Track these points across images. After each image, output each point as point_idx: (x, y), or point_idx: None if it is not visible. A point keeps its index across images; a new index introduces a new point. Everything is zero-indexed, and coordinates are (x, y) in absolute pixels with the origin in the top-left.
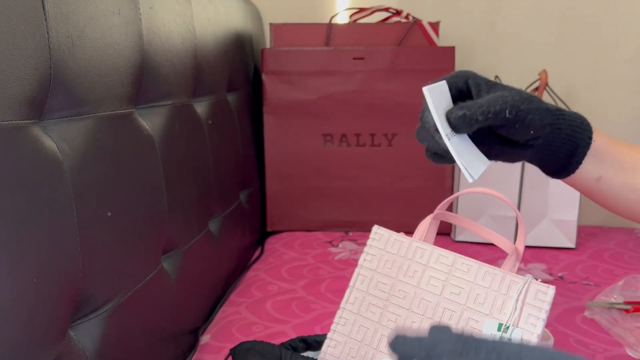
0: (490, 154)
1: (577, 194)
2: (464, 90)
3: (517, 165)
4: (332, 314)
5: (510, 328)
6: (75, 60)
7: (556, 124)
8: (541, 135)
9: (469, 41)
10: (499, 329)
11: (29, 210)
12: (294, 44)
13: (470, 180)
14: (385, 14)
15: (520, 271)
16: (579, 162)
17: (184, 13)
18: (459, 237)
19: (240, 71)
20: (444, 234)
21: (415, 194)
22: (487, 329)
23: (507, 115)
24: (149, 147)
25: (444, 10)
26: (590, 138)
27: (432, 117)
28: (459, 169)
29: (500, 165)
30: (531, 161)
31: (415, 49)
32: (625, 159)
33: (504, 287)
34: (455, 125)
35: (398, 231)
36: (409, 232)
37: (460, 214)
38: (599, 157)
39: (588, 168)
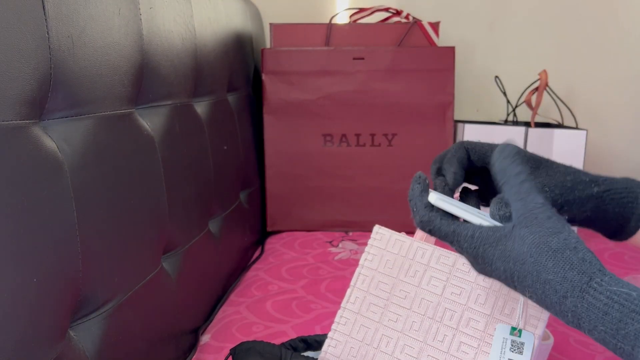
0: None
1: None
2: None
3: None
4: (332, 314)
5: (522, 331)
6: (75, 60)
7: (605, 199)
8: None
9: (469, 41)
10: (511, 332)
11: (29, 210)
12: (294, 44)
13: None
14: (385, 14)
15: None
16: (637, 221)
17: (184, 13)
18: None
19: (240, 71)
20: None
21: None
22: (500, 332)
23: (594, 191)
24: (149, 147)
25: (444, 10)
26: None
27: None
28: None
29: None
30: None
31: (415, 49)
32: None
33: (504, 287)
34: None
35: (399, 231)
36: (410, 232)
37: None
38: None
39: None
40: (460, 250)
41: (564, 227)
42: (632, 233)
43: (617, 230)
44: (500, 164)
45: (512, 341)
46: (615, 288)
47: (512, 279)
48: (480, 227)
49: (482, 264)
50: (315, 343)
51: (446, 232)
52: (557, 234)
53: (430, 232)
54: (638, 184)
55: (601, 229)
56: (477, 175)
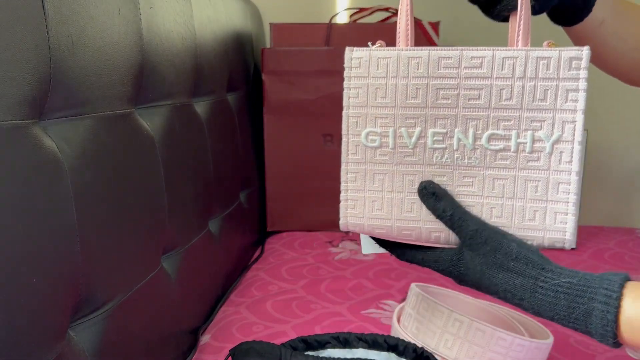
0: None
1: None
2: None
3: None
4: (332, 314)
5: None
6: (75, 60)
7: None
8: None
9: (469, 41)
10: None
11: (28, 210)
12: (294, 44)
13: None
14: (385, 14)
15: None
16: None
17: (184, 13)
18: None
19: (240, 71)
20: None
21: None
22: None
23: None
24: (149, 147)
25: (444, 10)
26: None
27: None
28: None
29: None
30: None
31: None
32: (620, 5)
33: (530, 69)
34: None
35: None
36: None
37: None
38: None
39: (596, 8)
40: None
41: (501, 243)
42: (594, 2)
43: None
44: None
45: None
46: (558, 280)
47: (481, 290)
48: (442, 251)
49: (456, 280)
50: (315, 343)
51: (417, 260)
52: (496, 251)
53: (408, 261)
54: None
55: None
56: None
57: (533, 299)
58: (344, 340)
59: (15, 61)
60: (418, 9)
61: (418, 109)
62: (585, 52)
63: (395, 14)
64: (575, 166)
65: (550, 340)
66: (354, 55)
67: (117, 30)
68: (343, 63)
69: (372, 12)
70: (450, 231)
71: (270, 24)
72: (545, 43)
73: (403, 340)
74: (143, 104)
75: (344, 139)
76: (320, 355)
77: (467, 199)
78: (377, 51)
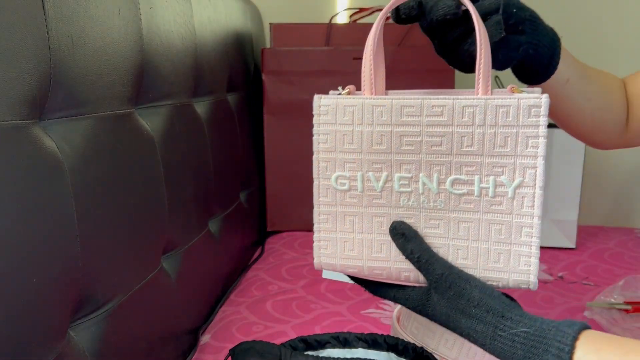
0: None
1: (577, 194)
2: None
3: None
4: (332, 314)
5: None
6: (75, 60)
7: (533, 12)
8: (523, 17)
9: None
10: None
11: (28, 210)
12: (294, 44)
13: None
14: None
15: None
16: (559, 55)
17: (184, 13)
18: None
19: (240, 71)
20: None
21: None
22: None
23: None
24: (149, 147)
25: None
26: (558, 35)
27: None
28: None
29: None
30: (527, 53)
31: (415, 49)
32: (583, 68)
33: (489, 116)
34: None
35: None
36: None
37: None
38: (568, 59)
39: (561, 68)
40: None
41: (464, 289)
42: (558, 61)
43: (549, 53)
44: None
45: None
46: (515, 330)
47: (449, 329)
48: (412, 289)
49: (427, 318)
50: (315, 343)
51: (390, 296)
52: (460, 297)
53: (381, 297)
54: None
55: (538, 45)
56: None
57: (493, 346)
58: (344, 340)
59: (15, 61)
60: None
61: (384, 154)
62: (544, 99)
63: None
64: (537, 210)
65: None
66: (322, 103)
67: (117, 30)
68: (343, 63)
69: (372, 12)
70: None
71: (270, 24)
72: (508, 87)
73: (403, 340)
74: (143, 104)
75: (315, 182)
76: (320, 355)
77: (434, 241)
78: (343, 99)
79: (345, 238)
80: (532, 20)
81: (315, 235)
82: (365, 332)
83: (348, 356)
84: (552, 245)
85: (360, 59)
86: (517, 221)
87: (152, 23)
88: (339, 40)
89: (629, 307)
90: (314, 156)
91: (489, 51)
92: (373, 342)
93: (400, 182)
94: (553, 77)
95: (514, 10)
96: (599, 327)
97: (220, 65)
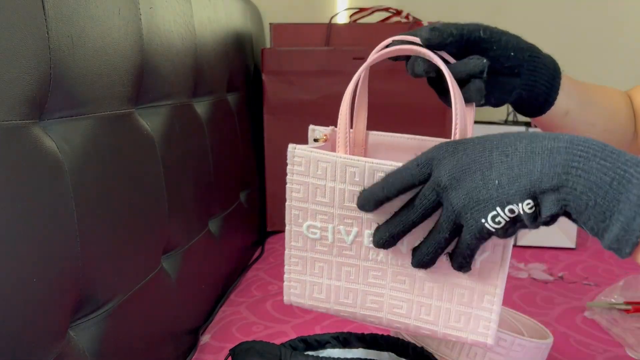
0: (486, 87)
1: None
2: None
3: None
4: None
5: None
6: (75, 60)
7: (534, 51)
8: (521, 59)
9: None
10: None
11: (29, 210)
12: (294, 44)
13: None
14: (385, 14)
15: (520, 271)
16: (557, 91)
17: (184, 13)
18: None
19: (240, 71)
20: None
21: None
22: None
23: (482, 34)
24: (149, 147)
25: (444, 10)
26: (560, 70)
27: None
28: None
29: None
30: (520, 95)
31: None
32: (586, 94)
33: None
34: (428, 38)
35: None
36: None
37: None
38: (567, 90)
39: (560, 101)
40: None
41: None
42: (555, 96)
43: (546, 90)
44: None
45: None
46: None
47: (490, 153)
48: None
49: (456, 155)
50: (315, 343)
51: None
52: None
53: (388, 198)
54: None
55: (534, 85)
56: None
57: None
58: (344, 340)
59: (16, 61)
60: (418, 9)
61: (355, 211)
62: None
63: (395, 14)
64: (501, 282)
65: (550, 340)
66: (296, 154)
67: (117, 30)
68: (343, 63)
69: (372, 12)
70: (382, 316)
71: (270, 24)
72: None
73: (403, 340)
74: (143, 104)
75: (287, 227)
76: (320, 355)
77: (399, 295)
78: (317, 154)
79: (314, 282)
80: (531, 60)
81: (286, 276)
82: (365, 332)
83: (348, 356)
84: (552, 245)
85: (361, 59)
86: (480, 289)
87: (152, 23)
88: (339, 40)
89: (629, 307)
90: (287, 203)
91: (463, 112)
92: (373, 342)
93: (370, 238)
94: (552, 110)
95: (511, 54)
96: (599, 328)
97: (220, 65)
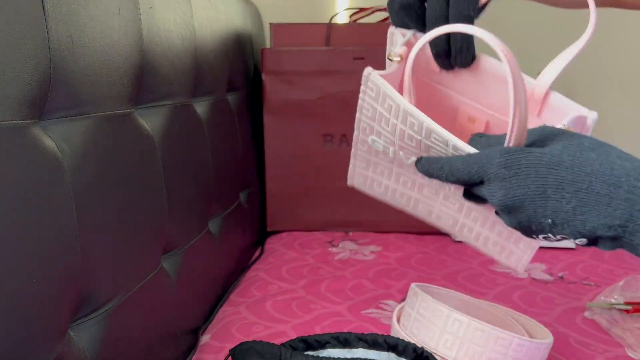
0: None
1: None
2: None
3: None
4: (332, 314)
5: None
6: (75, 60)
7: None
8: None
9: None
10: None
11: (28, 210)
12: (294, 44)
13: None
14: (385, 14)
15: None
16: None
17: (184, 13)
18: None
19: (240, 71)
20: (444, 235)
21: None
22: None
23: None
24: (149, 147)
25: None
26: None
27: None
28: None
29: None
30: None
31: None
32: None
33: None
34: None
35: (399, 232)
36: (411, 232)
37: None
38: None
39: None
40: (480, 174)
41: (581, 135)
42: None
43: None
44: None
45: None
46: None
47: (545, 187)
48: (498, 147)
49: (506, 178)
50: (315, 343)
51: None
52: (583, 137)
53: (430, 175)
54: None
55: None
56: None
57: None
58: (344, 340)
59: (16, 61)
60: None
61: (413, 147)
62: None
63: None
64: (537, 244)
65: (550, 340)
66: (370, 79)
67: (117, 30)
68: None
69: (372, 12)
70: (430, 220)
71: (270, 24)
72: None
73: (403, 340)
74: (143, 104)
75: (355, 133)
76: (320, 355)
77: (448, 211)
78: (386, 89)
79: (375, 179)
80: None
81: (351, 167)
82: (366, 332)
83: (348, 356)
84: (552, 245)
85: (361, 59)
86: (519, 234)
87: (152, 23)
88: (339, 40)
89: (629, 307)
90: (357, 115)
91: (525, 111)
92: (373, 342)
93: None
94: None
95: None
96: (599, 328)
97: (220, 65)
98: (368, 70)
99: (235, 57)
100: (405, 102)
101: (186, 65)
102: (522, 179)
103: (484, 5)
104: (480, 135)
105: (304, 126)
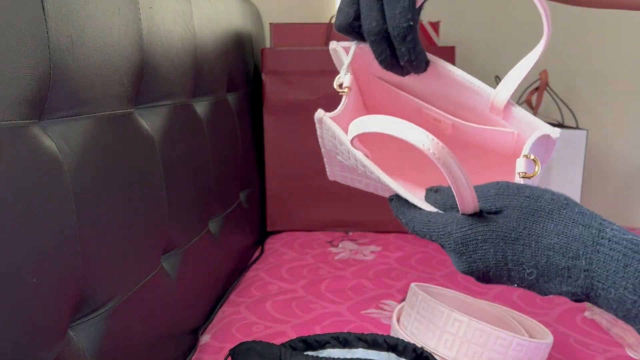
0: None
1: (577, 194)
2: None
3: None
4: (332, 314)
5: None
6: (75, 60)
7: None
8: None
9: (469, 41)
10: None
11: (28, 210)
12: (294, 44)
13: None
14: None
15: None
16: None
17: (184, 13)
18: None
19: (240, 71)
20: None
21: None
22: None
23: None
24: (149, 147)
25: (444, 10)
26: None
27: None
28: None
29: None
30: None
31: None
32: None
33: None
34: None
35: (399, 232)
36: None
37: None
38: None
39: None
40: (440, 242)
41: (544, 191)
42: None
43: None
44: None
45: None
46: (629, 237)
47: (505, 260)
48: (454, 213)
49: (465, 253)
50: (315, 343)
51: (420, 225)
52: (539, 198)
53: (406, 225)
54: None
55: None
56: None
57: (594, 257)
58: (344, 340)
59: (15, 61)
60: None
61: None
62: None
63: None
64: None
65: (550, 340)
66: (324, 122)
67: (117, 30)
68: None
69: None
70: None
71: (270, 24)
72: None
73: (403, 340)
74: (143, 104)
75: (322, 150)
76: (320, 355)
77: None
78: (339, 134)
79: (355, 178)
80: None
81: (328, 168)
82: (365, 332)
83: (348, 356)
84: None
85: None
86: None
87: (152, 23)
88: (338, 40)
89: None
90: (320, 142)
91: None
92: (373, 342)
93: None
94: None
95: None
96: (599, 327)
97: (220, 65)
98: (319, 114)
99: (235, 57)
100: (359, 155)
101: (186, 65)
102: (481, 254)
103: (421, 6)
104: (435, 190)
105: (304, 126)
